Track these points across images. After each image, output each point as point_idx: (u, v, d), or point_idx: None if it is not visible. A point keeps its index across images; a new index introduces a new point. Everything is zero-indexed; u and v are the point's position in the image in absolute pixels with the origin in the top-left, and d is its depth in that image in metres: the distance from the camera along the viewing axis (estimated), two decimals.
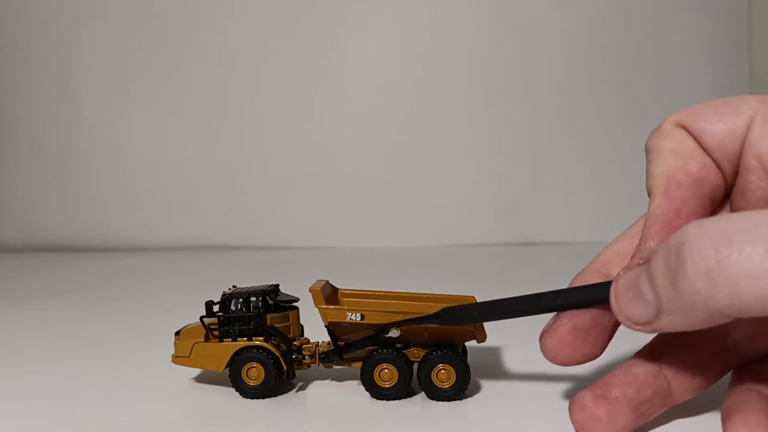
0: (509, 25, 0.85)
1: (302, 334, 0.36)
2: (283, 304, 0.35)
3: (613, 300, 0.26)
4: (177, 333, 0.36)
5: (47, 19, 0.90)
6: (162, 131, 0.89)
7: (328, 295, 0.34)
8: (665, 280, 0.23)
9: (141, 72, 0.89)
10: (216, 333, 0.35)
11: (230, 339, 0.34)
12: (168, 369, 0.38)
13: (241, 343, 0.34)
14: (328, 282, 0.35)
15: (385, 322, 0.32)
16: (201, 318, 0.35)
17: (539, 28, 0.84)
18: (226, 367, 0.34)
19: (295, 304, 0.36)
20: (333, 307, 0.33)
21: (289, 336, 0.35)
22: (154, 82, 0.89)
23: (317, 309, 0.33)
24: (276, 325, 0.34)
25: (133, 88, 0.89)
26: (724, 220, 0.22)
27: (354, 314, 0.32)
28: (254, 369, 0.33)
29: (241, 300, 0.34)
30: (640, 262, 0.25)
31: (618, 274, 0.26)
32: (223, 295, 0.35)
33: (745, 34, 0.83)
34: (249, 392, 0.33)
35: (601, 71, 0.84)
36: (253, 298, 0.34)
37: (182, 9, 0.87)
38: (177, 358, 0.35)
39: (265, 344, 0.34)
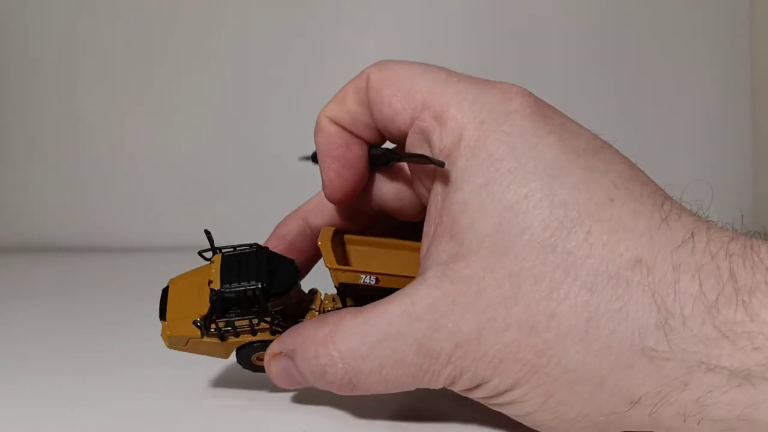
0: (508, 26, 0.85)
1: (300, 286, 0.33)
2: (283, 289, 0.31)
3: (270, 378, 0.31)
4: (162, 316, 0.32)
5: (44, 18, 0.89)
6: (160, 131, 0.89)
7: (336, 244, 0.32)
8: (315, 381, 0.28)
9: (139, 71, 0.88)
10: (213, 331, 0.31)
11: (230, 334, 0.31)
12: (167, 368, 0.38)
13: (245, 339, 0.31)
14: (335, 228, 0.32)
15: (401, 287, 0.28)
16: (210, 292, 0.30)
17: (538, 28, 0.84)
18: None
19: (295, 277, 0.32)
20: (345, 268, 0.30)
21: (291, 306, 0.31)
22: (153, 81, 0.88)
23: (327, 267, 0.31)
24: (277, 310, 0.31)
25: (131, 88, 0.89)
26: (352, 341, 0.27)
27: (368, 277, 0.30)
28: (264, 354, 0.31)
29: (236, 297, 0.30)
30: (282, 353, 0.30)
31: (267, 359, 0.30)
32: (211, 291, 0.30)
33: (746, 33, 0.82)
34: (262, 371, 0.32)
35: (602, 71, 0.84)
36: (250, 293, 0.30)
37: (181, 8, 0.87)
38: (173, 347, 0.32)
39: (270, 337, 0.31)
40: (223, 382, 0.36)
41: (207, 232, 0.33)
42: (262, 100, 0.87)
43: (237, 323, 0.31)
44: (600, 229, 0.24)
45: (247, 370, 0.33)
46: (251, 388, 0.35)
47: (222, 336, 0.31)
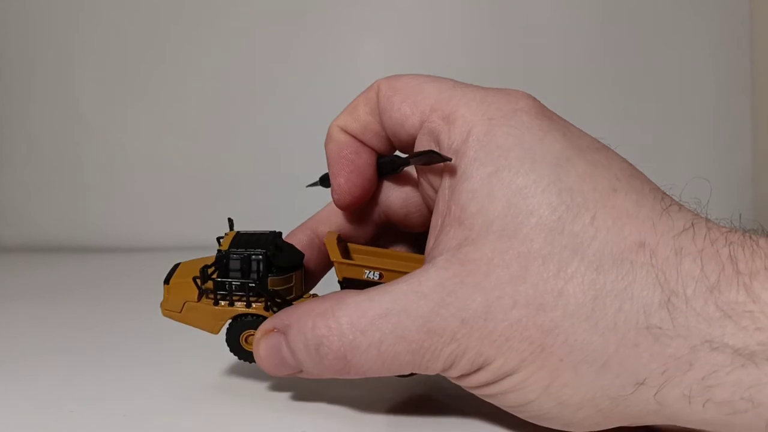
0: (509, 25, 0.85)
1: (306, 289, 0.33)
2: (286, 265, 0.31)
3: (257, 361, 0.30)
4: (166, 281, 0.32)
5: (44, 17, 0.89)
6: (161, 130, 0.89)
7: (342, 250, 0.32)
8: (307, 359, 0.28)
9: (139, 71, 0.89)
10: (211, 296, 0.31)
11: (226, 302, 0.31)
12: (167, 368, 0.38)
13: (239, 309, 0.31)
14: (339, 234, 0.33)
15: None
16: (206, 273, 0.31)
17: (539, 28, 0.84)
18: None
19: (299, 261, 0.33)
20: (350, 262, 0.31)
21: (290, 296, 0.32)
22: (152, 80, 0.89)
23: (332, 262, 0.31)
24: (278, 288, 0.31)
25: (131, 87, 0.89)
26: (353, 314, 0.26)
27: (372, 272, 0.31)
28: (253, 336, 0.31)
29: (240, 259, 0.31)
30: (276, 329, 0.29)
31: (258, 336, 0.30)
32: (218, 252, 0.31)
33: (746, 33, 0.82)
34: (247, 358, 0.32)
35: (603, 71, 0.84)
36: (253, 259, 0.31)
37: (181, 8, 0.87)
38: (167, 311, 0.32)
39: (264, 313, 0.31)
40: (222, 381, 0.36)
41: (230, 220, 0.34)
42: (263, 101, 0.87)
43: (234, 292, 0.31)
44: (605, 215, 0.25)
45: (245, 369, 0.33)
46: (251, 388, 0.35)
47: (216, 300, 0.31)
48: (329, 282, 0.34)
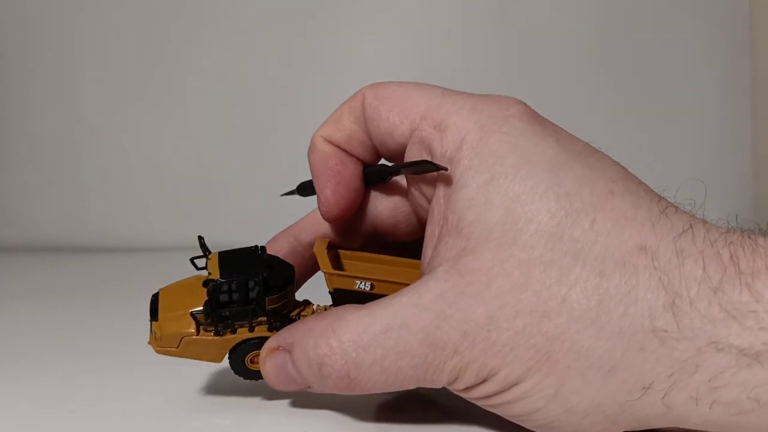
0: (509, 25, 0.84)
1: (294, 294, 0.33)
2: (281, 283, 0.31)
3: (265, 378, 0.30)
4: (154, 317, 0.31)
5: (45, 17, 0.89)
6: (161, 130, 0.89)
7: (331, 256, 0.32)
8: (312, 376, 0.27)
9: (139, 71, 0.88)
10: (210, 329, 0.30)
11: (228, 330, 0.30)
12: (167, 369, 0.37)
13: (243, 335, 0.30)
14: (329, 241, 0.33)
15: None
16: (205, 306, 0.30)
17: (539, 29, 0.84)
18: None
19: (291, 270, 0.32)
20: (340, 273, 0.30)
21: (286, 310, 0.31)
22: (152, 80, 0.88)
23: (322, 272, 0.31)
24: (275, 306, 0.31)
25: (131, 87, 0.89)
26: (354, 330, 0.26)
27: (363, 283, 0.30)
28: (257, 356, 0.30)
29: (237, 287, 0.30)
30: (281, 347, 0.29)
31: (263, 355, 0.30)
32: (211, 281, 0.30)
33: (746, 33, 0.82)
34: (254, 377, 0.31)
35: (602, 71, 0.84)
36: (251, 285, 0.30)
37: (181, 8, 0.87)
38: (162, 349, 0.31)
39: (268, 333, 0.30)
40: (222, 382, 0.36)
41: (200, 238, 0.33)
42: (262, 102, 0.87)
43: (234, 319, 0.30)
44: (604, 218, 0.25)
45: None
46: (251, 387, 0.35)
47: (218, 330, 0.30)
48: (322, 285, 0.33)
